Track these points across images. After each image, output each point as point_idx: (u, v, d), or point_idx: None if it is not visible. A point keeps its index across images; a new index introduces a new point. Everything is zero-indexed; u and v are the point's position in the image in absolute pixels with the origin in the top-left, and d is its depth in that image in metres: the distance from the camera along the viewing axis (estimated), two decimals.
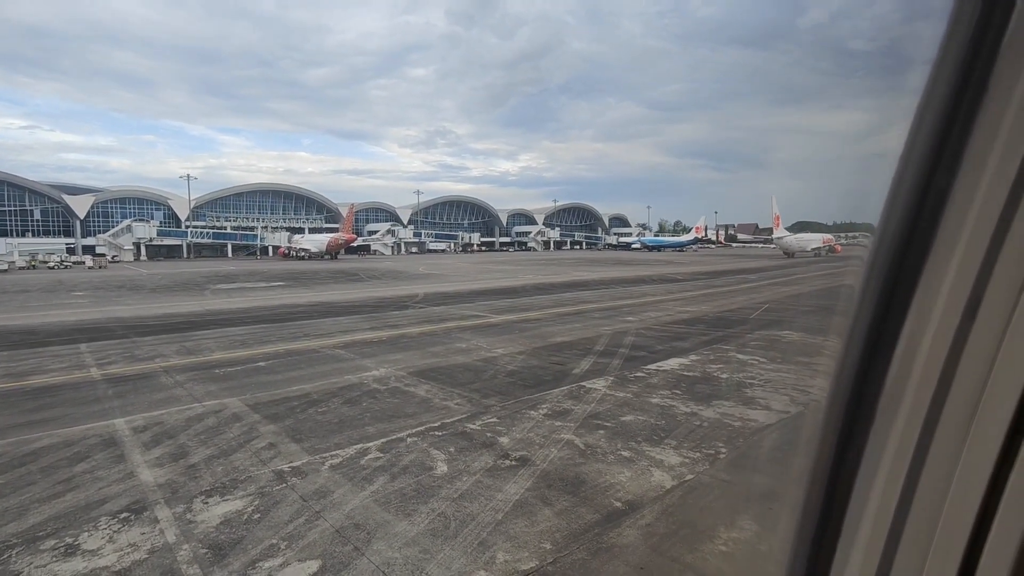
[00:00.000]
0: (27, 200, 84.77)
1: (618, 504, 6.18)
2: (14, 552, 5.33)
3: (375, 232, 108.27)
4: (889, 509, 1.01)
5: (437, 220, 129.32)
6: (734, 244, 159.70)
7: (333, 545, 5.38)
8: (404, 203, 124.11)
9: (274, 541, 5.46)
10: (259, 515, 5.99)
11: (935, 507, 0.96)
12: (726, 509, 6.20)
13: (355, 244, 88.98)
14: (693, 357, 13.82)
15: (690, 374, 12.09)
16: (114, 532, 5.68)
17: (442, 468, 7.19)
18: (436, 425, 8.89)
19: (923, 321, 0.97)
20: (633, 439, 8.15)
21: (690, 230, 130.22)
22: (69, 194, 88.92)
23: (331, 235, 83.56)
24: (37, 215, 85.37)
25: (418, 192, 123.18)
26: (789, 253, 79.53)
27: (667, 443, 7.99)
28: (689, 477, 6.86)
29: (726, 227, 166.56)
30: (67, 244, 79.14)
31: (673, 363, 13.14)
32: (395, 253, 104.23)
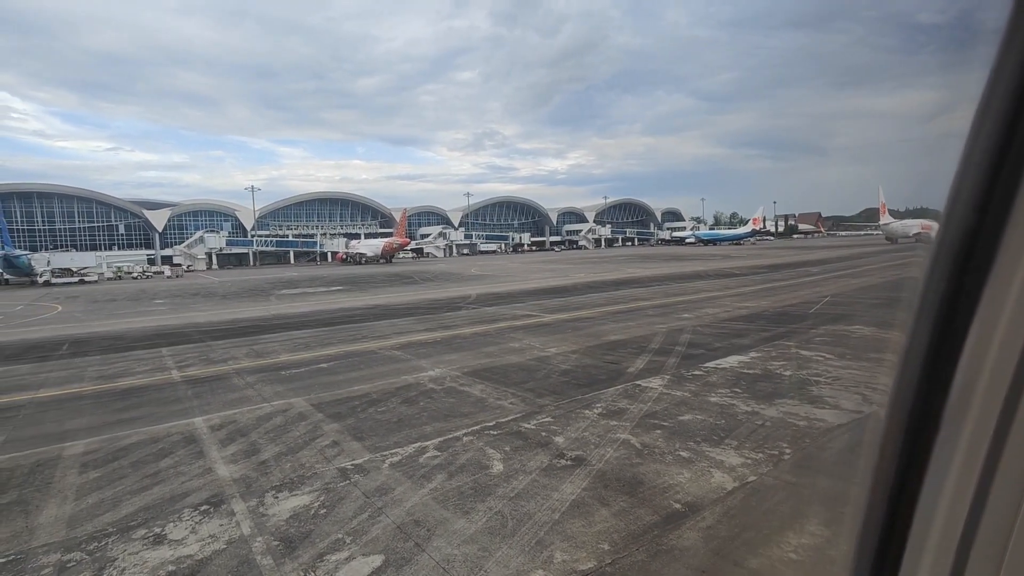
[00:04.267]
0: (112, 216, 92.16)
1: (677, 506, 6.05)
2: (110, 540, 5.81)
3: (427, 235, 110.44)
4: (958, 522, 0.94)
5: (487, 221, 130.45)
6: (795, 235, 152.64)
7: (395, 541, 5.55)
8: (454, 206, 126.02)
9: (340, 535, 5.69)
10: (325, 510, 6.26)
11: (1006, 523, 0.89)
12: (793, 513, 5.95)
13: (408, 247, 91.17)
14: (753, 354, 13.31)
15: (751, 372, 11.66)
16: (196, 523, 6.09)
17: (498, 467, 7.27)
18: (491, 424, 8.99)
19: (993, 321, 0.89)
20: (692, 439, 7.96)
21: (747, 222, 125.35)
22: (148, 209, 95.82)
23: (386, 239, 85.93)
24: (121, 229, 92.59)
25: (468, 194, 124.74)
26: (892, 239, 79.47)
27: (728, 443, 7.75)
28: (752, 479, 6.63)
29: (785, 217, 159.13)
30: (148, 255, 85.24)
31: (732, 361, 12.71)
32: (447, 255, 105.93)
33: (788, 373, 11.46)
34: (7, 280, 60.52)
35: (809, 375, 11.17)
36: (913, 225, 77.54)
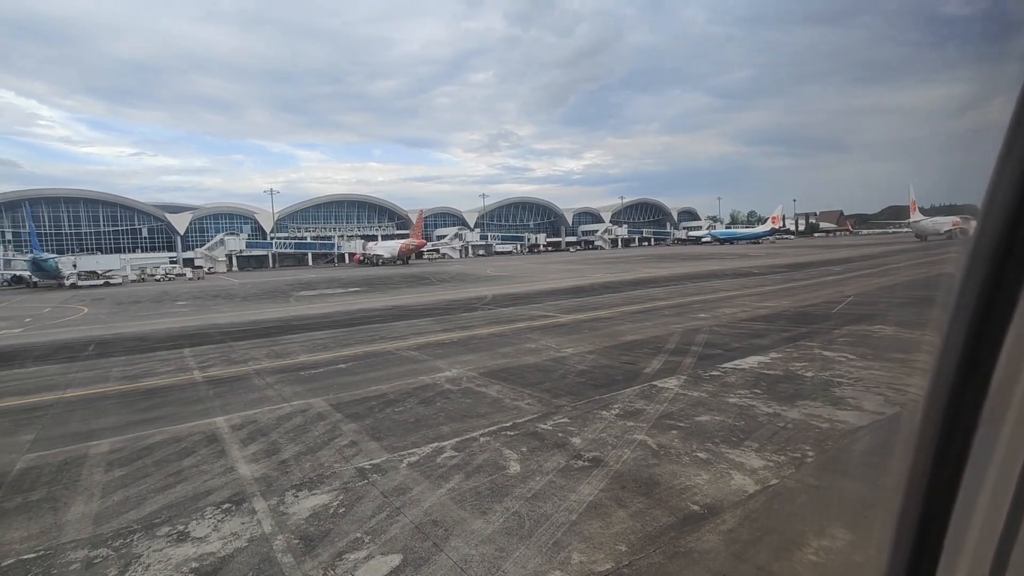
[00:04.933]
0: (136, 220, 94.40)
1: (696, 507, 5.99)
2: (135, 537, 5.93)
3: (443, 236, 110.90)
4: (998, 523, 0.91)
5: (503, 222, 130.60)
6: (816, 234, 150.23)
7: (413, 540, 5.57)
8: (470, 207, 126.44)
9: (358, 535, 5.73)
10: (344, 509, 6.31)
11: None
12: (816, 516, 5.85)
13: (425, 249, 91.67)
14: (773, 355, 13.12)
15: (771, 372, 11.50)
16: (218, 521, 6.18)
17: (515, 468, 7.26)
18: (508, 425, 8.99)
19: None
20: (710, 440, 7.87)
21: (765, 220, 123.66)
22: (171, 212, 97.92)
23: (402, 241, 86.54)
24: (145, 233, 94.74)
25: (483, 195, 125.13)
26: (922, 236, 79.18)
27: (747, 445, 7.65)
28: (773, 481, 6.53)
29: (806, 215, 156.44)
30: (170, 258, 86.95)
31: (751, 361, 12.54)
32: (463, 256, 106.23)
33: (810, 374, 11.28)
34: (36, 283, 62.21)
35: (832, 376, 10.98)
36: (944, 222, 76.07)
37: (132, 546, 5.74)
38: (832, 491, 6.49)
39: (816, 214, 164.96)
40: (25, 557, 5.61)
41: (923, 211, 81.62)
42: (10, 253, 72.25)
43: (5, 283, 68.61)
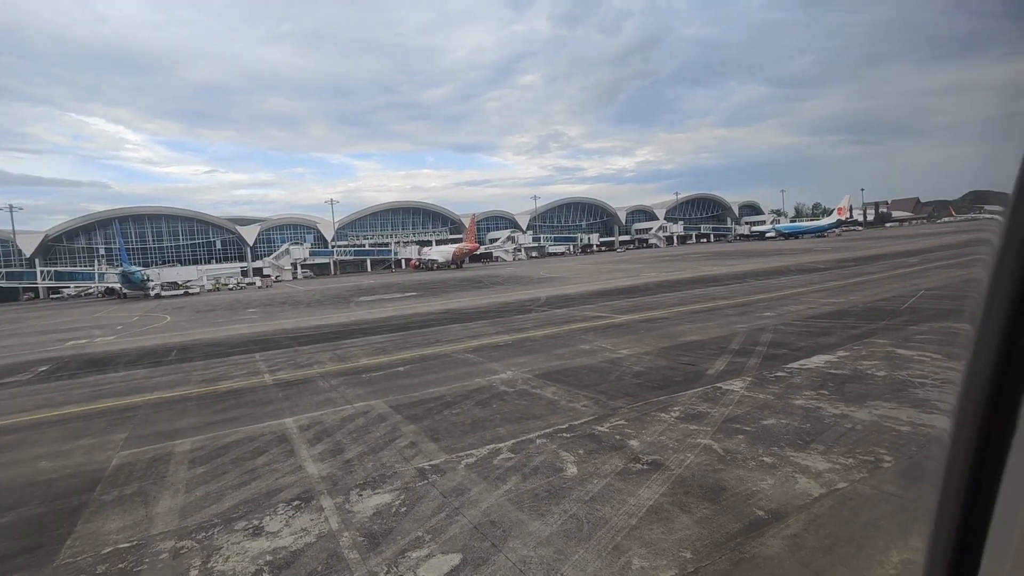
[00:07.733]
0: (210, 233, 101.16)
1: (761, 513, 5.76)
2: (215, 530, 6.34)
3: (496, 239, 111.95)
4: None
5: (555, 223, 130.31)
6: (888, 224, 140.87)
7: (472, 540, 5.66)
8: (522, 209, 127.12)
9: (419, 534, 5.88)
10: (405, 508, 6.49)
11: None
12: (897, 528, 5.49)
13: (478, 252, 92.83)
14: (841, 353, 12.42)
15: (838, 372, 10.89)
16: (289, 517, 6.50)
17: (572, 470, 7.23)
18: (564, 427, 8.96)
19: None
20: (775, 444, 7.55)
21: (831, 212, 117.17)
22: (240, 225, 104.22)
23: (456, 245, 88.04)
24: (218, 245, 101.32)
25: (535, 197, 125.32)
26: None
27: (813, 448, 7.28)
28: (841, 485, 6.19)
29: (876, 204, 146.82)
30: (241, 267, 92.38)
31: (818, 360, 11.93)
32: (516, 259, 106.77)
33: (882, 374, 10.60)
34: (125, 294, 67.66)
35: (911, 376, 10.27)
36: None
37: (213, 539, 6.14)
38: (917, 501, 6.07)
39: (887, 203, 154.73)
40: (121, 546, 6.12)
41: (1001, 197, 75.14)
42: (103, 267, 78.89)
43: (99, 295, 75.04)
